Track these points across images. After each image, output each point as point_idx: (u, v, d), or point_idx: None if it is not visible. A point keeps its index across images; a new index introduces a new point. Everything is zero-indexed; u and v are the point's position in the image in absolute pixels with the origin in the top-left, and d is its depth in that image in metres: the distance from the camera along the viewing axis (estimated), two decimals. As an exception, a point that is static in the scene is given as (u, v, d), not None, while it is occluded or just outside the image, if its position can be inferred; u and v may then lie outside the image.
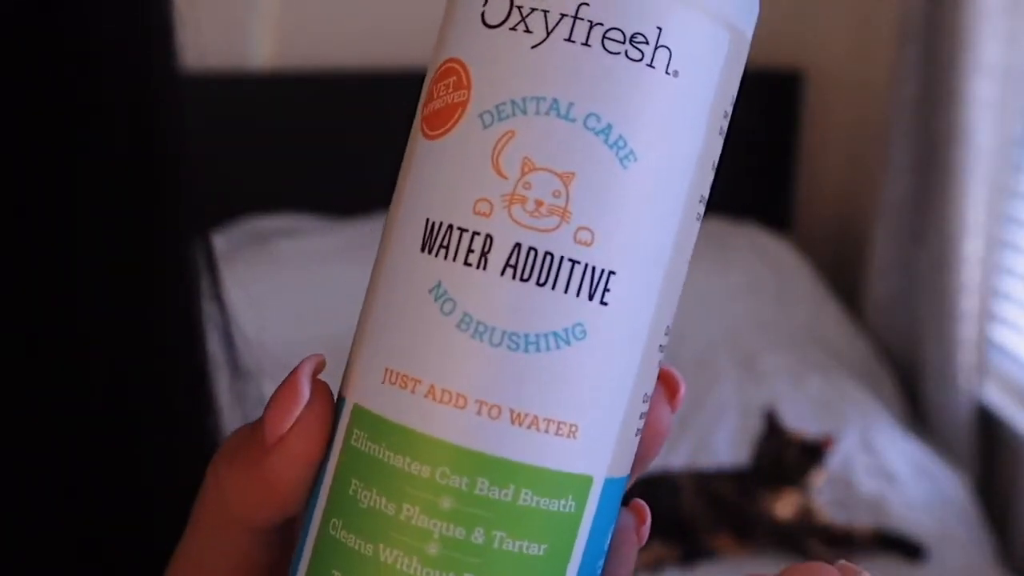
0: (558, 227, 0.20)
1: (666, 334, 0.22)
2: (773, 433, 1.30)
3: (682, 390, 0.23)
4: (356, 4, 2.00)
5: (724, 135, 0.21)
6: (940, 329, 1.63)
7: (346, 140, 1.98)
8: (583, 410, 0.20)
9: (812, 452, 1.28)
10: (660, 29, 0.20)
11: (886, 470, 1.41)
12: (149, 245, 0.33)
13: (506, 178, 0.20)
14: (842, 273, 2.02)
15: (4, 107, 0.29)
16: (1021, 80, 1.58)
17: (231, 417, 0.36)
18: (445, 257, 0.20)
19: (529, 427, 0.20)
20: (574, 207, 0.19)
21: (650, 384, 0.21)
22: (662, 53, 0.20)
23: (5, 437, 0.30)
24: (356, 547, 0.20)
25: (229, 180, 1.81)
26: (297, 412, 0.21)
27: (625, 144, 0.20)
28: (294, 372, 0.22)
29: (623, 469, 0.21)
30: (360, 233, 1.90)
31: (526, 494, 0.20)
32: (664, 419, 0.22)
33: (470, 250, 0.20)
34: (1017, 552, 1.47)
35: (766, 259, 1.88)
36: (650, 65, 0.20)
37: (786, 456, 1.27)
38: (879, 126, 1.81)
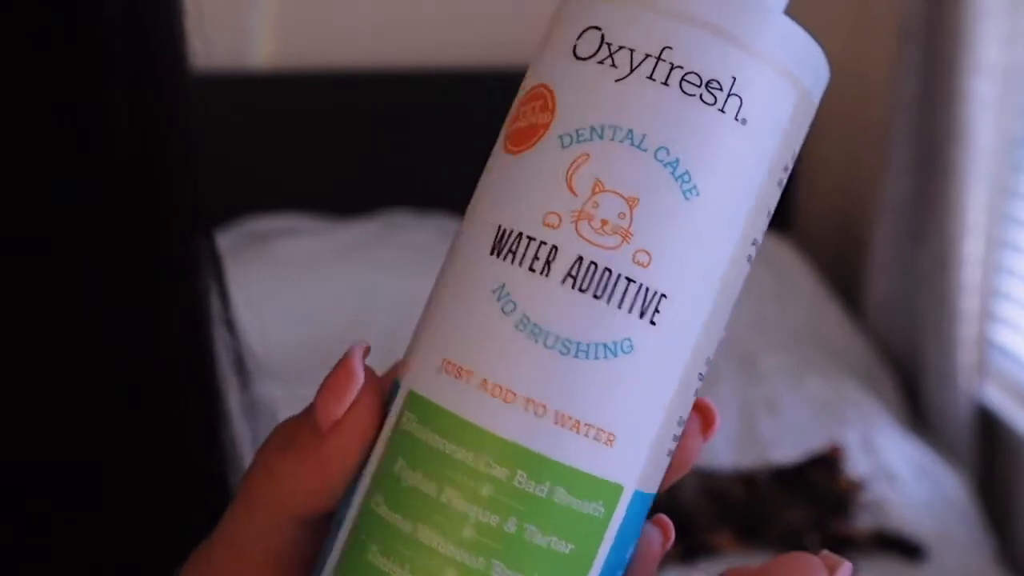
0: (619, 246, 0.21)
1: (707, 364, 0.23)
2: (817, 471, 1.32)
3: (717, 423, 0.23)
4: (356, 4, 2.00)
5: (783, 187, 0.23)
6: (940, 329, 1.63)
7: (346, 140, 1.98)
8: (622, 420, 0.21)
9: (828, 464, 1.30)
10: (734, 79, 0.21)
11: (886, 470, 1.41)
12: (155, 246, 0.32)
13: (576, 196, 0.21)
14: (842, 273, 2.02)
15: (11, 105, 0.29)
16: (1021, 80, 1.58)
17: (239, 420, 0.36)
18: (512, 262, 0.21)
19: (570, 429, 0.21)
20: (636, 229, 0.21)
21: (685, 408, 0.22)
22: (733, 100, 0.21)
23: (5, 441, 0.30)
24: (395, 523, 0.21)
25: (229, 180, 1.81)
26: (352, 396, 0.22)
27: (690, 179, 0.21)
28: (346, 357, 0.23)
29: (652, 486, 0.22)
30: (360, 233, 1.90)
31: (560, 492, 0.21)
32: (695, 447, 0.23)
33: (535, 257, 0.21)
34: (1017, 552, 1.47)
35: (766, 259, 1.88)
36: (721, 110, 0.21)
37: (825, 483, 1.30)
38: (879, 126, 1.81)
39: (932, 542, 1.29)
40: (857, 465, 1.38)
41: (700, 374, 0.23)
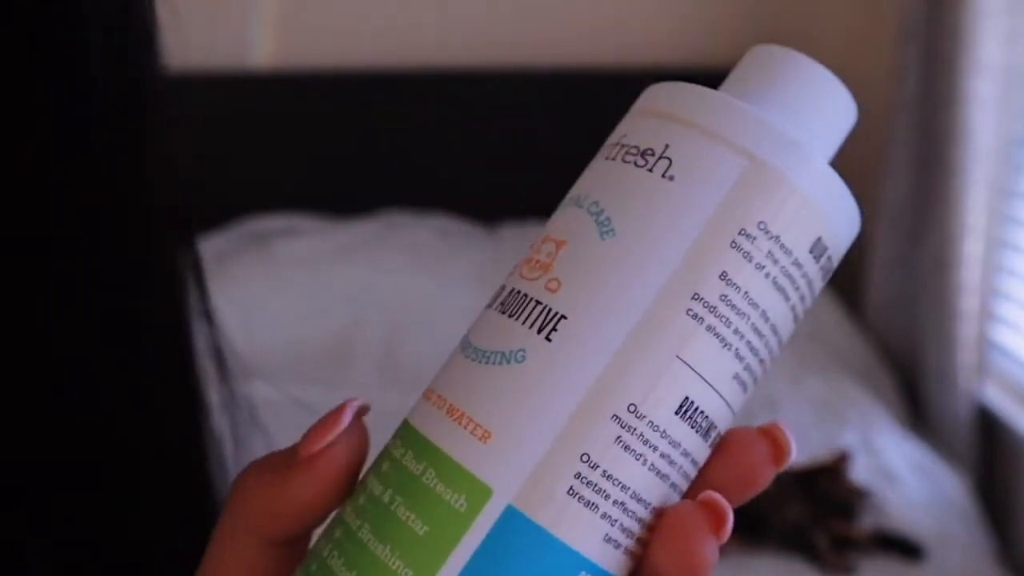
0: (539, 278, 0.24)
1: (637, 416, 0.22)
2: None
3: (789, 454, 0.26)
4: (355, 5, 2.00)
5: (747, 256, 0.23)
6: (940, 329, 1.63)
7: (346, 140, 1.98)
8: (501, 423, 0.23)
9: (833, 471, 1.30)
10: (667, 145, 0.24)
11: (886, 470, 1.41)
12: (132, 245, 0.33)
13: (530, 248, 0.25)
14: (842, 273, 2.02)
15: None
16: (1021, 80, 1.58)
17: (220, 419, 0.36)
18: (485, 306, 0.25)
19: (455, 420, 0.23)
20: (556, 264, 0.24)
21: (597, 449, 0.22)
22: (663, 162, 0.24)
23: None
24: (342, 515, 0.24)
25: (229, 180, 1.81)
26: (332, 436, 0.24)
27: (609, 223, 0.24)
28: (342, 404, 0.25)
29: (546, 518, 0.22)
30: (360, 233, 1.90)
31: (430, 474, 0.23)
32: (763, 473, 0.25)
33: (495, 297, 0.25)
34: (1017, 552, 1.47)
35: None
36: (649, 170, 0.24)
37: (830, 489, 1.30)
38: (879, 126, 1.81)
39: (932, 542, 1.29)
40: (857, 465, 1.38)
41: (617, 418, 0.22)
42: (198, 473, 0.35)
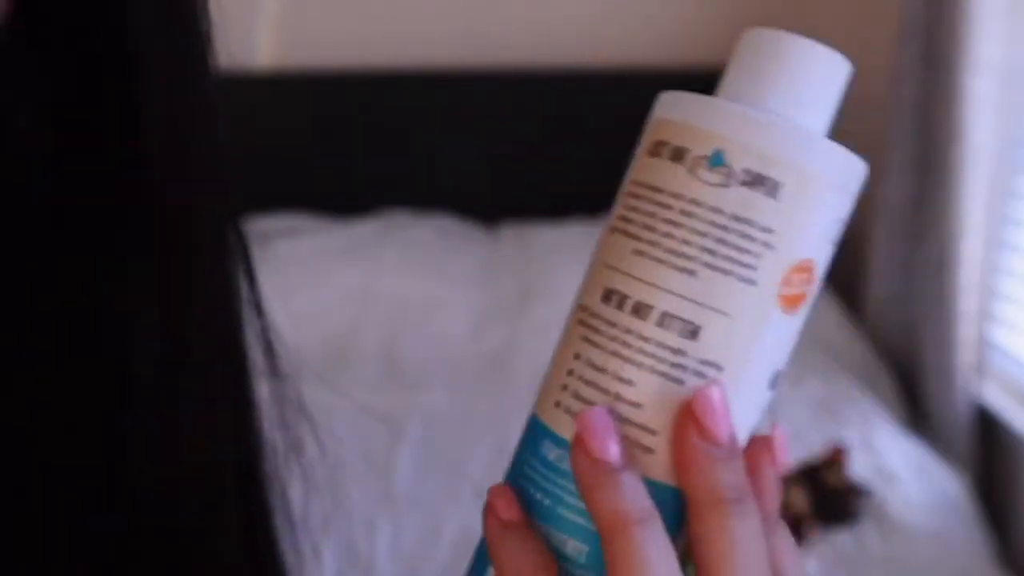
0: None
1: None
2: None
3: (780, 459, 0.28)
4: (356, 6, 2.00)
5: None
6: (939, 329, 1.64)
7: (346, 140, 1.98)
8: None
9: (831, 466, 1.30)
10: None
11: (886, 470, 1.41)
12: (187, 242, 0.33)
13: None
14: (842, 273, 2.02)
15: (43, 104, 0.29)
16: (1021, 80, 1.58)
17: (269, 416, 0.36)
18: None
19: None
20: None
21: None
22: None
23: (27, 442, 0.30)
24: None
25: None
26: None
27: None
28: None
29: None
30: (360, 233, 1.90)
31: None
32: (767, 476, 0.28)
33: None
34: (1015, 551, 1.48)
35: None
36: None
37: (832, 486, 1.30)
38: (879, 126, 1.81)
39: (931, 541, 1.29)
40: (856, 464, 1.38)
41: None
42: (249, 464, 0.36)
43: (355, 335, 1.68)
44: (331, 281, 1.78)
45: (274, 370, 0.36)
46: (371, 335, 1.67)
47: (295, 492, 0.37)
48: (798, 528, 1.25)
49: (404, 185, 2.00)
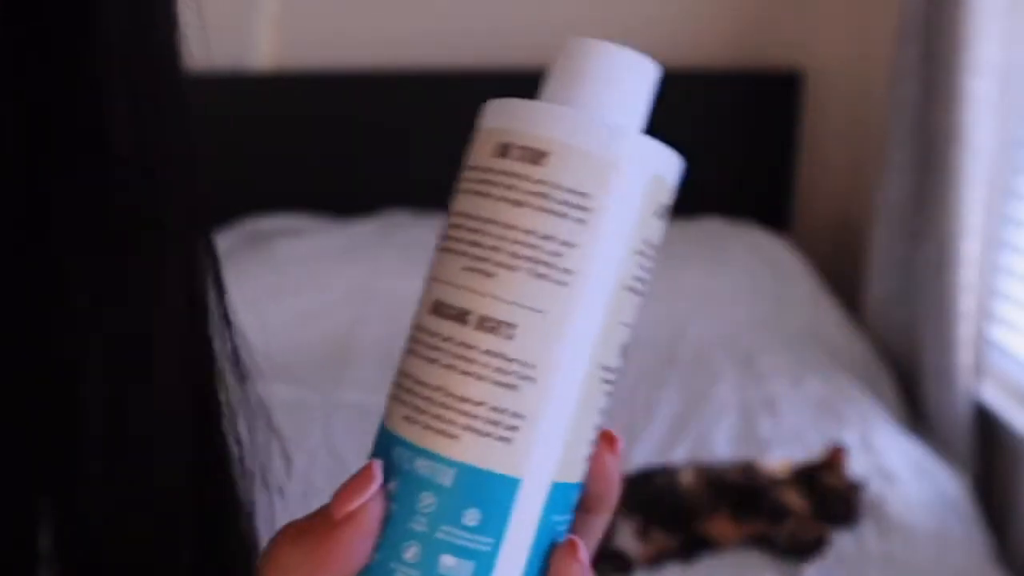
0: None
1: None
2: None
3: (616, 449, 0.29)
4: (356, 6, 2.01)
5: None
6: (939, 329, 1.64)
7: (346, 141, 1.98)
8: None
9: (830, 467, 1.31)
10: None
11: (885, 470, 1.41)
12: (154, 245, 0.33)
13: None
14: (841, 273, 2.02)
15: (7, 104, 0.29)
16: (1021, 80, 1.58)
17: (238, 422, 0.36)
18: None
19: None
20: None
21: None
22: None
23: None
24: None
25: (229, 180, 1.81)
26: (368, 495, 0.25)
27: None
28: (369, 463, 0.26)
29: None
30: (360, 233, 1.91)
31: None
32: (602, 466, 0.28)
33: None
34: (1015, 550, 1.48)
35: (765, 259, 1.88)
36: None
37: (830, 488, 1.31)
38: (879, 126, 1.81)
39: (930, 541, 1.29)
40: (856, 464, 1.38)
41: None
42: (220, 476, 0.35)
43: (355, 335, 1.68)
44: (331, 281, 1.78)
45: (240, 378, 0.36)
46: (371, 335, 1.67)
47: (261, 501, 0.37)
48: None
49: (404, 185, 2.00)
